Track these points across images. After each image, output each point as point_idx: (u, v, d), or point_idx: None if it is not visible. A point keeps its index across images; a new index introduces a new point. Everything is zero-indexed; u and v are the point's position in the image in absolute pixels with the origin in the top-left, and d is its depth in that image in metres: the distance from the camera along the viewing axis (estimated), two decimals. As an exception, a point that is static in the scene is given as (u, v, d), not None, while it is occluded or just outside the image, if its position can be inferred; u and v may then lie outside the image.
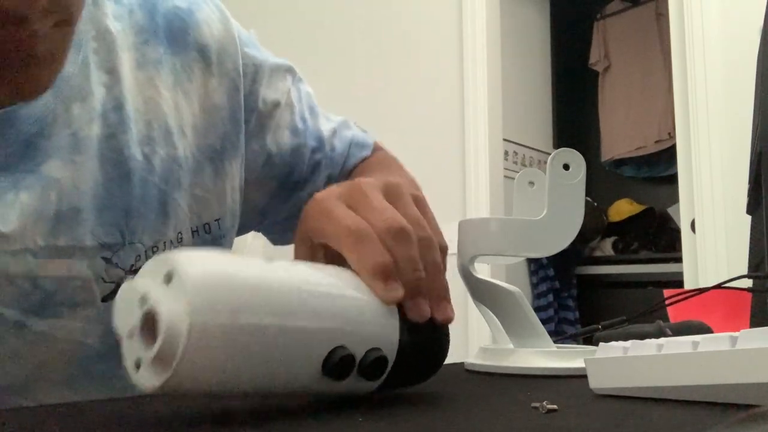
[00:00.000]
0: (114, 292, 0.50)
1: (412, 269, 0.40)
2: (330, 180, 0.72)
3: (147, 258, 0.53)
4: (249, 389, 0.35)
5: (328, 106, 0.79)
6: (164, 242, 0.55)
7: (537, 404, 0.38)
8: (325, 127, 0.73)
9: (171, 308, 0.31)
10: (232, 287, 0.33)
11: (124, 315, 0.33)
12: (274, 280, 0.35)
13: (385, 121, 2.79)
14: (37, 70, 0.49)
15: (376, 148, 0.79)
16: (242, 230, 0.69)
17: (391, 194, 0.43)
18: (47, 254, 0.49)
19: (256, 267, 0.35)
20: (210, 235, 0.59)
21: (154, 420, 0.37)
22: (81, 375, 0.52)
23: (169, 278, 0.32)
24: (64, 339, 0.50)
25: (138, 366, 0.32)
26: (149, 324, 0.32)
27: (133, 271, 0.53)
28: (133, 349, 0.33)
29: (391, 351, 0.39)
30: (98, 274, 0.51)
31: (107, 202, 0.51)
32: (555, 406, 0.37)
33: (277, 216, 0.72)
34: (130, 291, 0.33)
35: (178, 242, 0.56)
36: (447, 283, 0.42)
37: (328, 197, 0.42)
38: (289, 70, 0.70)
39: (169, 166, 0.55)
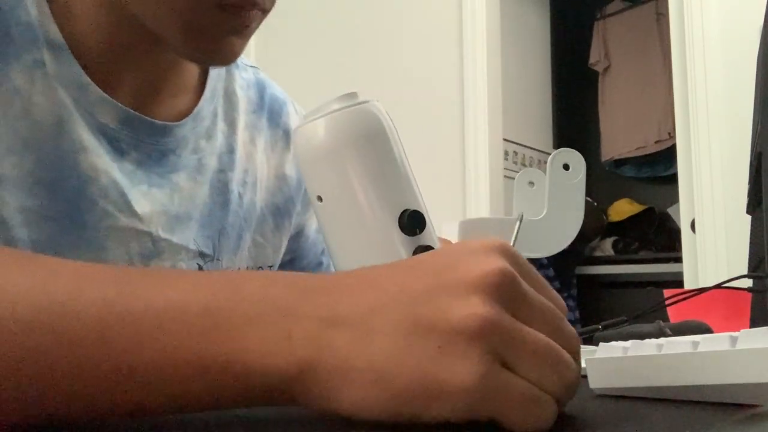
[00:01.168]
0: None
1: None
2: None
3: None
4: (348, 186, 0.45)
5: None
6: (233, 270, 0.65)
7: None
8: None
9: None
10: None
11: None
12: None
13: (385, 121, 2.78)
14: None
15: None
16: None
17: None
18: (163, 246, 0.59)
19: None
20: None
21: (155, 420, 0.37)
22: None
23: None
24: None
25: None
26: None
27: None
28: None
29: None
30: None
31: (208, 219, 0.63)
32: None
33: None
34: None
35: None
36: None
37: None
38: None
39: (250, 209, 0.67)
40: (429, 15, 2.82)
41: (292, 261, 0.76)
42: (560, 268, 3.33)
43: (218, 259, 0.63)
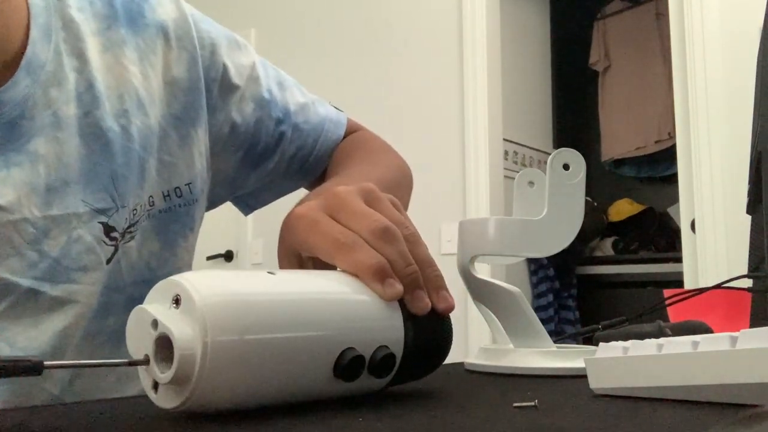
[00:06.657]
0: (116, 253, 0.57)
1: (405, 264, 0.42)
2: (302, 153, 0.75)
3: (132, 219, 0.58)
4: (267, 402, 0.36)
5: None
6: (141, 205, 0.59)
7: (519, 404, 0.38)
8: (295, 100, 0.75)
9: (183, 332, 0.33)
10: (239, 306, 0.34)
11: (137, 340, 0.35)
12: (278, 294, 0.37)
13: (385, 121, 2.79)
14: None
15: (353, 128, 0.82)
16: (217, 202, 0.74)
17: (370, 198, 0.46)
18: (46, 224, 0.53)
19: (260, 283, 0.37)
20: (181, 198, 0.64)
21: (154, 420, 0.37)
22: (84, 339, 0.56)
23: (177, 302, 0.34)
24: (84, 303, 0.55)
25: (156, 388, 0.34)
26: (163, 347, 0.33)
27: (127, 232, 0.58)
28: (149, 374, 0.34)
29: (397, 347, 0.40)
30: (99, 238, 0.56)
31: (93, 173, 0.56)
32: (532, 403, 0.38)
33: (246, 186, 0.76)
34: (140, 315, 0.34)
35: (150, 206, 0.61)
36: (441, 273, 0.44)
37: (310, 210, 0.45)
38: (246, 46, 0.73)
39: (145, 133, 0.60)
40: (429, 15, 2.82)
41: (250, 151, 0.71)
42: (560, 268, 3.33)
43: (123, 206, 0.57)
